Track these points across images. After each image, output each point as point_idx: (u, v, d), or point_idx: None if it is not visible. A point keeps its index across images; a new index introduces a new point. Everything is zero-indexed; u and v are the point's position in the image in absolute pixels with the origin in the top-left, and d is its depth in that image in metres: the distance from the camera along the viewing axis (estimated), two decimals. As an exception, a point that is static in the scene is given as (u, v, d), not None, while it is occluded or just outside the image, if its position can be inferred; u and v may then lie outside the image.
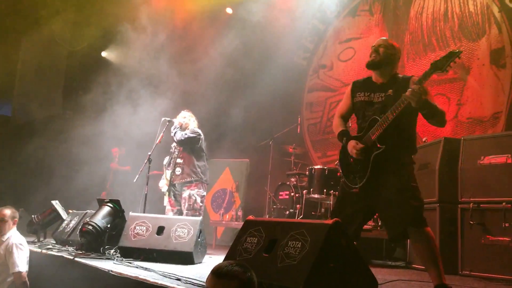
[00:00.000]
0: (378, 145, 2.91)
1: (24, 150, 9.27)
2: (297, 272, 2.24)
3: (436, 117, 2.91)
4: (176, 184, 5.70)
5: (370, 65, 3.20)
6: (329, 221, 2.34)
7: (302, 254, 2.30)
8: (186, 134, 5.65)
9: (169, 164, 5.83)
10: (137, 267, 3.69)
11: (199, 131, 5.79)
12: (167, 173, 5.74)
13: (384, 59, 3.14)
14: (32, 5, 8.81)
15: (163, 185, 5.77)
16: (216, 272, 1.86)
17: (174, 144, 5.92)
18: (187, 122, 5.83)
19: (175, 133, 5.68)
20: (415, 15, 7.36)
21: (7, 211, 4.74)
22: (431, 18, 7.11)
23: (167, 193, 5.73)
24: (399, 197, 2.85)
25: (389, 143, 2.91)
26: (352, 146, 3.00)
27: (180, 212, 5.62)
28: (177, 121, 5.81)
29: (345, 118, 3.34)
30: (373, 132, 2.94)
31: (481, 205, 4.34)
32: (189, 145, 5.70)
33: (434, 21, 7.05)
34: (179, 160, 5.71)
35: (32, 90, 10.71)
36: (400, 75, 3.18)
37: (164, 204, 5.82)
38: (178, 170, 5.66)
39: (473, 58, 6.39)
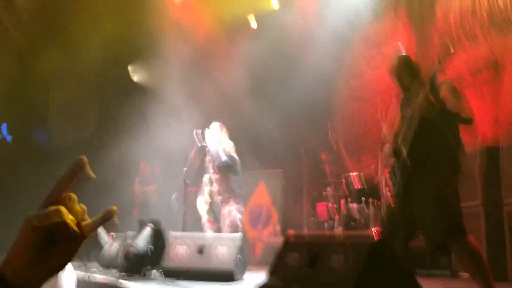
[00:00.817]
0: (414, 154, 2.89)
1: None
2: (341, 287, 2.22)
3: (462, 120, 2.88)
4: (214, 201, 5.72)
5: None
6: (372, 233, 2.30)
7: (346, 268, 2.27)
8: (226, 159, 5.63)
9: (207, 181, 5.85)
10: (180, 287, 3.72)
11: (235, 155, 5.79)
12: (205, 190, 5.77)
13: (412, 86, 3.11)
14: (64, 33, 9.11)
15: (202, 202, 5.80)
16: None
17: (208, 158, 5.92)
18: (223, 147, 5.80)
19: (215, 159, 5.66)
20: (442, 14, 7.23)
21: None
22: (459, 17, 6.98)
23: (206, 211, 5.76)
24: (437, 206, 2.79)
25: (426, 150, 2.88)
26: (387, 157, 2.99)
27: (219, 229, 5.62)
28: (211, 132, 5.79)
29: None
30: (404, 140, 2.92)
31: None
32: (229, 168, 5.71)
33: (462, 19, 6.92)
34: (215, 177, 5.74)
35: (66, 116, 11.03)
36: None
37: (203, 222, 5.84)
38: (215, 187, 5.69)
39: (506, 54, 6.22)
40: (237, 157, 5.77)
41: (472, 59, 6.66)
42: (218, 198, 5.67)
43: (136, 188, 8.94)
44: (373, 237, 2.26)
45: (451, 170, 2.99)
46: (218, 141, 5.78)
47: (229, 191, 5.61)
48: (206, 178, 5.87)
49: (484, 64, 6.52)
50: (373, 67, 8.36)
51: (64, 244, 0.75)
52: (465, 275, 4.67)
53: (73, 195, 0.79)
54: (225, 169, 5.71)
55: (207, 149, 5.75)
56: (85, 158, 0.80)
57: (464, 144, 3.15)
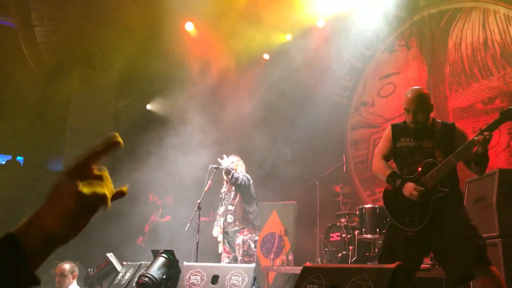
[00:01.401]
0: (441, 189, 2.91)
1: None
2: (362, 320, 2.20)
3: (486, 164, 2.94)
4: (229, 232, 5.73)
5: (414, 129, 3.22)
6: (392, 265, 2.29)
7: (366, 301, 2.25)
8: (240, 176, 5.68)
9: (222, 212, 5.88)
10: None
11: (248, 176, 5.85)
12: (220, 221, 5.79)
13: (424, 120, 3.16)
14: (80, 63, 9.32)
15: (217, 233, 5.81)
16: None
17: (224, 190, 5.98)
18: (235, 167, 5.90)
19: (232, 175, 5.65)
20: (453, 46, 7.31)
21: (66, 266, 4.90)
22: (470, 48, 7.05)
23: (221, 241, 5.77)
24: (463, 237, 2.80)
25: (450, 187, 2.92)
26: (412, 189, 2.97)
27: (235, 259, 5.62)
28: (225, 164, 5.85)
29: (387, 159, 3.35)
30: (435, 175, 2.94)
31: (546, 238, 4.14)
32: (241, 190, 5.73)
33: (474, 50, 6.98)
34: (230, 207, 5.76)
35: (82, 145, 11.19)
36: (438, 120, 3.23)
37: (219, 252, 5.84)
38: (230, 218, 5.71)
39: (520, 84, 6.25)
40: (250, 179, 5.81)
41: (484, 89, 6.70)
42: (233, 229, 5.68)
43: (154, 218, 8.95)
44: (393, 269, 2.25)
45: (464, 204, 3.07)
46: (231, 161, 5.91)
47: (243, 221, 5.63)
48: (221, 210, 5.91)
49: (497, 93, 6.56)
50: (384, 95, 8.43)
51: (90, 214, 0.77)
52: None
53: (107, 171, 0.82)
54: (239, 198, 5.73)
55: (226, 170, 5.76)
56: (118, 136, 0.83)
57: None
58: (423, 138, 3.14)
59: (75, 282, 4.91)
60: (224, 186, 6.03)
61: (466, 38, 7.13)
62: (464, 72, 7.07)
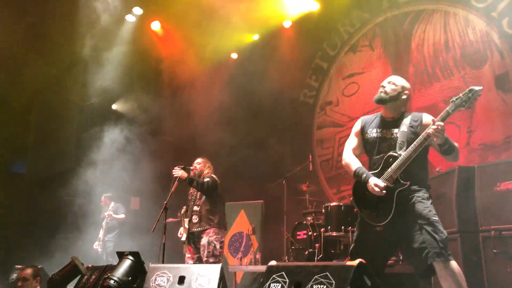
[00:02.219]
0: (402, 182, 2.95)
1: (38, 207, 9.32)
2: (324, 317, 2.23)
3: (453, 152, 2.98)
4: (195, 232, 5.70)
5: (377, 100, 3.27)
6: (353, 263, 2.34)
7: (328, 298, 2.29)
8: (205, 180, 5.65)
9: (186, 212, 5.84)
10: (161, 320, 3.66)
11: (215, 177, 5.82)
12: (185, 221, 5.75)
13: (392, 96, 3.21)
14: (43, 64, 9.08)
15: (182, 233, 5.77)
16: None
17: (191, 191, 5.95)
18: (202, 168, 5.88)
19: (196, 183, 5.62)
20: (416, 47, 7.50)
21: (29, 270, 4.77)
22: (432, 49, 7.25)
23: (186, 242, 5.72)
24: (424, 231, 2.86)
25: (412, 179, 2.95)
26: (374, 184, 3.01)
27: (200, 260, 5.57)
28: (184, 175, 5.70)
29: (355, 154, 3.38)
30: (395, 169, 2.97)
31: (502, 232, 4.29)
32: (208, 192, 5.71)
33: (435, 51, 7.19)
34: (195, 208, 5.72)
35: (45, 146, 10.90)
36: (409, 112, 3.26)
37: (184, 253, 5.79)
38: (195, 218, 5.67)
39: (478, 84, 6.44)
40: (217, 179, 5.79)
41: (445, 88, 6.91)
42: (198, 229, 5.64)
43: (109, 214, 8.72)
44: (354, 267, 2.29)
45: (430, 195, 3.11)
46: (198, 163, 5.90)
47: (208, 222, 5.60)
48: (183, 210, 5.87)
49: (458, 92, 6.73)
50: (348, 94, 8.57)
51: None
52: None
53: None
54: (205, 199, 5.70)
55: (189, 179, 5.72)
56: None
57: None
58: (389, 129, 3.18)
59: (38, 287, 4.78)
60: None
61: (428, 39, 7.33)
62: (426, 72, 7.26)
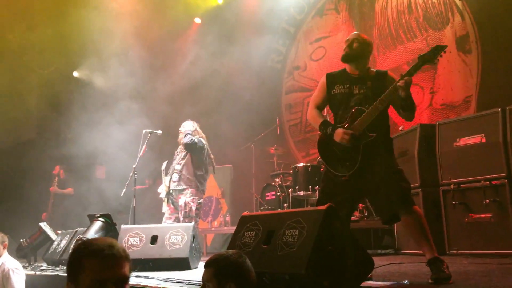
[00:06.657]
0: (368, 134, 3.05)
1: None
2: (297, 258, 2.33)
3: (412, 108, 3.08)
4: (173, 191, 5.71)
5: (345, 58, 3.32)
6: (323, 207, 2.44)
7: (301, 241, 2.38)
8: (195, 139, 5.69)
9: (167, 169, 5.84)
10: (135, 277, 3.72)
11: (204, 141, 5.84)
12: (166, 179, 5.75)
13: (358, 52, 3.28)
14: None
15: (162, 191, 5.77)
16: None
17: (178, 150, 5.93)
18: (195, 130, 5.87)
19: (185, 135, 5.68)
20: (380, 10, 7.59)
21: (-5, 235, 4.70)
22: (395, 11, 7.36)
23: (165, 200, 5.74)
24: (389, 180, 2.99)
25: (377, 131, 3.06)
26: (342, 135, 3.10)
27: (177, 220, 5.62)
28: (186, 127, 5.82)
29: (320, 109, 3.45)
30: (362, 121, 3.06)
31: (461, 185, 4.52)
32: (194, 152, 5.73)
33: (399, 14, 7.30)
34: (177, 167, 5.71)
35: (4, 116, 10.55)
36: (373, 69, 3.34)
37: (163, 211, 5.77)
38: (175, 177, 5.68)
39: (440, 46, 6.63)
40: (205, 144, 5.82)
41: (409, 50, 7.06)
42: (176, 188, 5.66)
43: (52, 189, 8.57)
44: (324, 210, 2.39)
45: (392, 150, 3.23)
46: (192, 125, 5.93)
47: (188, 182, 5.63)
48: (163, 165, 5.86)
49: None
50: (316, 59, 8.62)
51: None
52: (407, 252, 4.99)
53: None
54: (189, 159, 5.71)
55: (184, 129, 5.77)
56: None
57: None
58: (356, 84, 3.25)
59: (6, 252, 4.72)
60: (179, 147, 5.96)
61: (391, 2, 7.42)
62: (390, 35, 7.38)
